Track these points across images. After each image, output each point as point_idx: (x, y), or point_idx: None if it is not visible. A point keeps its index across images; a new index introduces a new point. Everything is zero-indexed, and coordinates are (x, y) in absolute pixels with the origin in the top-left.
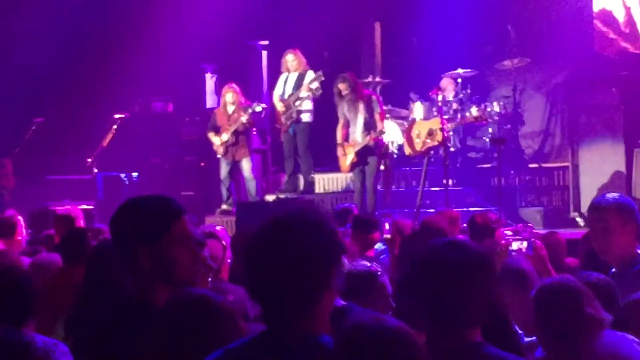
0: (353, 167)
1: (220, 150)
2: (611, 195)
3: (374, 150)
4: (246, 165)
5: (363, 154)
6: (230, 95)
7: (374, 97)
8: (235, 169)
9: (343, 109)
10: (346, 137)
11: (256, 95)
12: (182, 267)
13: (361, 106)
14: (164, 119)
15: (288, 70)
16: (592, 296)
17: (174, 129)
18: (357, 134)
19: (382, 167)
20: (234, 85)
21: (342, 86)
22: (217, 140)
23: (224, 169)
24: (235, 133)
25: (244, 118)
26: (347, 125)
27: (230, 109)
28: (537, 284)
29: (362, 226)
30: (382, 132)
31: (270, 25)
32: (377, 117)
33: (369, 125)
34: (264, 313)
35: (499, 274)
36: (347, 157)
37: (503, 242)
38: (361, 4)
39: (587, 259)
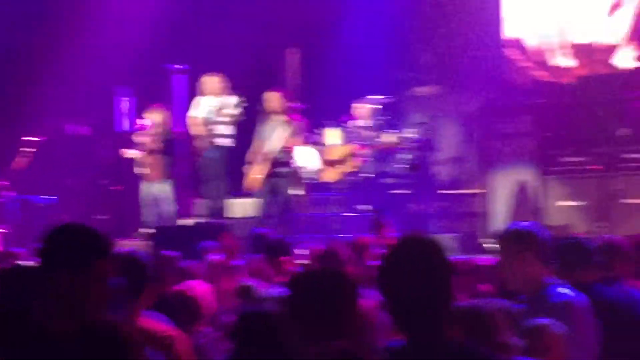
0: (262, 183)
1: (140, 171)
2: (514, 224)
3: (285, 174)
4: (163, 188)
5: (274, 175)
6: (155, 117)
7: (296, 122)
8: (155, 191)
9: (262, 129)
10: (258, 158)
11: (172, 119)
12: (93, 301)
13: (281, 128)
14: (79, 142)
15: (207, 94)
16: (504, 323)
17: (88, 151)
18: (271, 148)
19: (297, 192)
20: (161, 107)
21: (271, 103)
22: (138, 161)
23: (144, 191)
24: (153, 154)
25: (156, 138)
26: (261, 147)
27: (154, 130)
28: None
29: (273, 251)
30: (292, 151)
31: (188, 49)
32: (294, 140)
33: (285, 146)
34: (409, 325)
35: None
36: (257, 173)
37: None
38: (279, 30)
39: (501, 285)
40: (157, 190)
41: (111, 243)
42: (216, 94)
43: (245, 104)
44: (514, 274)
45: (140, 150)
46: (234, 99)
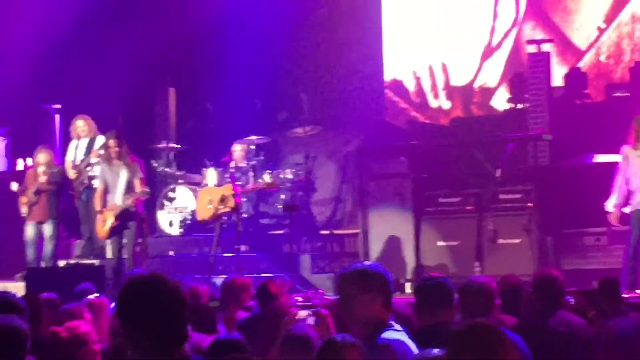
0: (112, 232)
1: (24, 210)
2: (359, 263)
3: (133, 214)
4: (47, 228)
5: (123, 218)
6: (42, 156)
7: (137, 163)
8: (39, 230)
9: (104, 173)
10: (104, 204)
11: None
12: None
13: (124, 170)
14: None
15: (78, 137)
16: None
17: None
18: (117, 198)
19: (174, 232)
20: (47, 147)
21: (111, 142)
22: (22, 200)
23: (28, 231)
24: (38, 193)
25: (42, 178)
26: (106, 191)
27: (41, 169)
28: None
29: None
30: (144, 193)
31: (64, 88)
32: (137, 182)
33: (130, 189)
34: None
35: (283, 340)
36: (105, 223)
37: (292, 309)
38: (156, 69)
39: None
40: (39, 232)
41: None
42: (87, 136)
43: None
44: (354, 314)
45: (25, 189)
46: (103, 139)
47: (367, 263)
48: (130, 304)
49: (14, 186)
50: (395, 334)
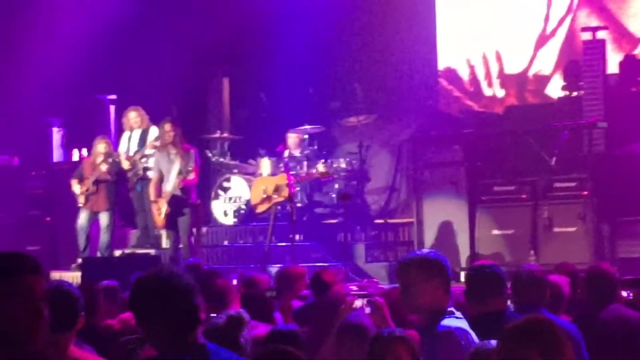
0: (167, 221)
1: (80, 199)
2: (418, 251)
3: (187, 203)
4: (104, 218)
5: (176, 206)
6: (102, 146)
7: (192, 151)
8: (94, 220)
9: (159, 162)
10: (159, 194)
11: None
12: (24, 325)
13: (178, 158)
14: (9, 173)
15: (131, 128)
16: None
17: (19, 183)
18: (169, 186)
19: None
20: (106, 137)
21: (167, 127)
22: (77, 189)
23: (82, 219)
24: (97, 183)
25: (103, 167)
26: (161, 180)
27: (100, 159)
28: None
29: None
30: (190, 173)
31: (118, 79)
32: (191, 170)
33: (185, 178)
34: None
35: (339, 329)
36: (160, 212)
37: (348, 298)
38: (209, 59)
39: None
40: (99, 220)
41: (39, 262)
42: (140, 127)
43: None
44: (417, 302)
45: (82, 179)
46: (157, 130)
47: (425, 250)
48: (137, 300)
49: (76, 187)
50: (457, 321)
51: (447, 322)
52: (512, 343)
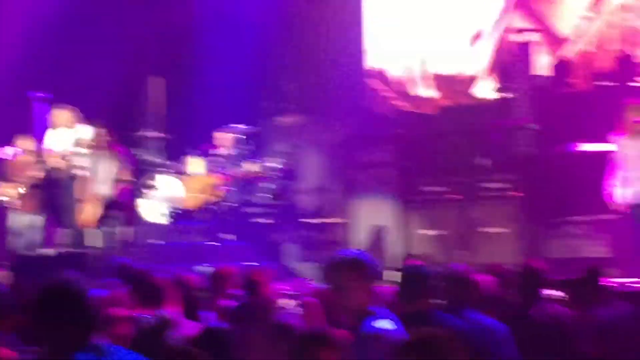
0: (98, 221)
1: (11, 201)
2: (347, 252)
3: (118, 203)
4: (35, 218)
5: (108, 207)
6: (29, 144)
7: (124, 153)
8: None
9: (89, 162)
10: (90, 194)
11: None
12: None
13: (109, 159)
14: None
15: (59, 126)
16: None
17: None
18: (103, 187)
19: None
20: (31, 136)
21: (98, 132)
22: (8, 191)
23: (19, 220)
24: (28, 183)
25: (36, 168)
26: (90, 180)
27: (30, 159)
28: None
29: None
30: (128, 181)
31: (50, 78)
32: (123, 171)
33: (115, 179)
34: None
35: (269, 329)
36: (91, 212)
37: (277, 298)
38: (143, 59)
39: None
40: (29, 222)
41: None
42: (68, 126)
43: (105, 134)
44: (346, 303)
45: (11, 180)
46: (89, 130)
47: (355, 251)
48: (37, 304)
49: (7, 190)
50: (384, 322)
51: (376, 322)
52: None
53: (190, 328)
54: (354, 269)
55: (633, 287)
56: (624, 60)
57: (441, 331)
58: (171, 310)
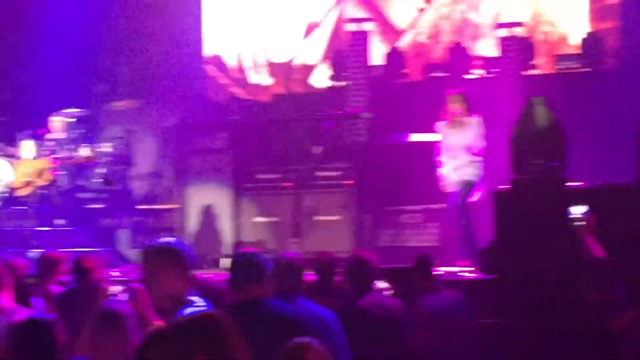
0: None
1: None
2: (162, 239)
3: None
4: None
5: None
6: None
7: None
8: None
9: None
10: None
11: None
12: None
13: None
14: None
15: None
16: None
17: None
18: None
19: None
20: None
21: None
22: None
23: None
24: None
25: None
26: None
27: None
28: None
29: None
30: None
31: None
32: None
33: None
34: None
35: (95, 315)
36: None
37: (106, 284)
38: None
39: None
40: None
41: None
42: None
43: None
44: (158, 290)
45: None
46: None
47: (168, 239)
48: None
49: None
50: (198, 310)
51: (188, 310)
52: (175, 342)
53: (22, 315)
54: (165, 257)
55: (461, 275)
56: (456, 52)
57: (216, 312)
58: (4, 297)
